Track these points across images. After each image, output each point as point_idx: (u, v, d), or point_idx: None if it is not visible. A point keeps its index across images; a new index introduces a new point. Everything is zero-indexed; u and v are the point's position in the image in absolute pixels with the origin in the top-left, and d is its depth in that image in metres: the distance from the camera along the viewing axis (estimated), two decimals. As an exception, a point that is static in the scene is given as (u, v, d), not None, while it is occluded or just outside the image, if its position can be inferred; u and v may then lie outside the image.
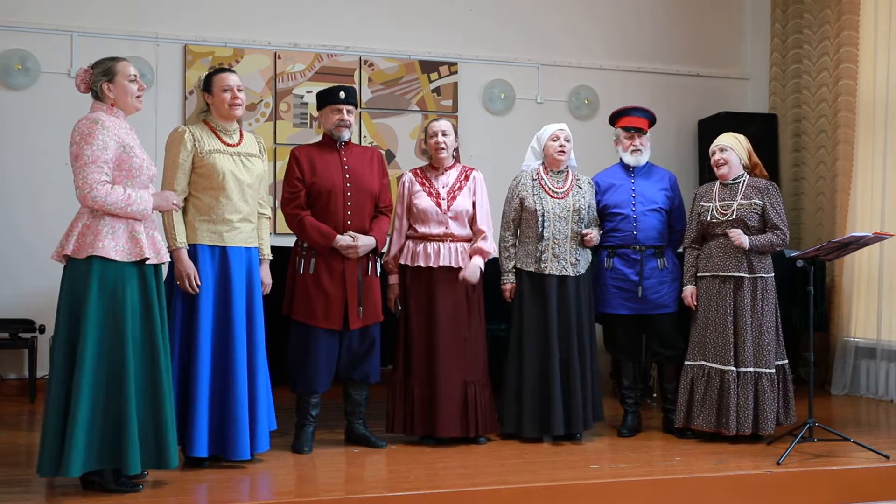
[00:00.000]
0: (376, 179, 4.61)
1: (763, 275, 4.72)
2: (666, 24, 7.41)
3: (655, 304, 4.91)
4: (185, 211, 4.13)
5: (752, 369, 4.65)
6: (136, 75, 3.74)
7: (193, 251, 4.07)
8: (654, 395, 6.02)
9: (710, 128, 6.71)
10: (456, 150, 4.81)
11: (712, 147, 4.90)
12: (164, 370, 3.66)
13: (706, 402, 4.68)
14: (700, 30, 7.50)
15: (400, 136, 6.81)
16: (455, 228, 4.67)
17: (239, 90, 4.18)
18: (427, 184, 4.72)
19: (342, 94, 4.53)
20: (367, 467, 4.25)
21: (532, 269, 4.78)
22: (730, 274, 4.71)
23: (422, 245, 4.65)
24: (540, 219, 4.76)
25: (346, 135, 4.57)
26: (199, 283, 4.03)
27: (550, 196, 4.81)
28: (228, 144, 4.19)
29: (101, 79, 3.68)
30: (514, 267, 4.82)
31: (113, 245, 3.56)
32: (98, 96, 3.70)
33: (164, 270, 3.87)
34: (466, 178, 4.75)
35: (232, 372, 4.04)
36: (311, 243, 4.45)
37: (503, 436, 4.78)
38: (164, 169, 4.13)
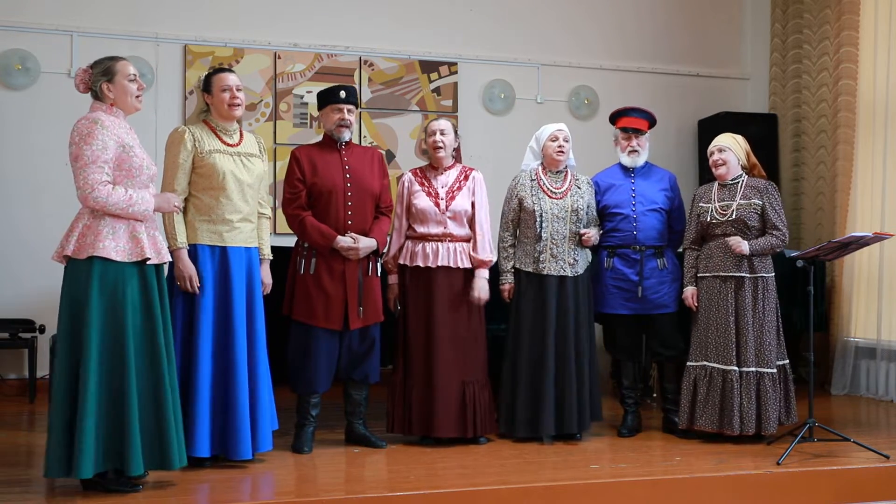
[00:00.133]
0: (377, 180, 4.61)
1: (764, 274, 4.72)
2: (666, 24, 7.41)
3: (655, 304, 4.91)
4: (185, 211, 4.13)
5: (754, 369, 4.65)
6: (135, 75, 3.73)
7: (194, 251, 4.07)
8: (654, 395, 6.02)
9: (710, 128, 6.71)
10: (457, 150, 4.81)
11: (711, 147, 4.90)
12: (166, 371, 3.65)
13: (709, 403, 4.67)
14: (700, 30, 7.50)
15: (400, 136, 6.81)
16: (453, 228, 4.67)
17: (238, 90, 4.18)
18: (426, 184, 4.72)
19: (343, 94, 4.53)
20: (367, 467, 4.25)
21: (530, 269, 4.78)
22: (731, 274, 4.71)
23: (420, 245, 4.65)
24: (538, 219, 4.76)
25: (346, 134, 4.57)
26: (199, 283, 4.03)
27: (549, 196, 4.81)
28: (228, 144, 4.19)
29: (100, 79, 3.67)
30: (513, 267, 4.83)
31: (113, 245, 3.56)
32: (97, 96, 3.69)
33: (165, 270, 3.86)
34: (466, 178, 4.75)
35: (233, 372, 4.05)
36: (311, 244, 4.45)
37: (503, 436, 4.78)
38: (164, 169, 4.13)
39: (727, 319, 4.69)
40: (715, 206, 4.80)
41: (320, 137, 4.70)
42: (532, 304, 4.76)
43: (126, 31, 6.29)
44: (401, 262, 4.69)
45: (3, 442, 4.69)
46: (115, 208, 3.55)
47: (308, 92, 6.51)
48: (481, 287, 4.66)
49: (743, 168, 4.85)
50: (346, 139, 4.59)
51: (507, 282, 4.81)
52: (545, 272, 4.75)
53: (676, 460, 4.38)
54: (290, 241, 4.65)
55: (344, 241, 4.42)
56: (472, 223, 4.71)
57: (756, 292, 4.70)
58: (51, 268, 3.92)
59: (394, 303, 4.71)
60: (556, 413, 4.70)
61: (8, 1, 6.11)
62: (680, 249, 5.06)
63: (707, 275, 4.79)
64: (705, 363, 4.73)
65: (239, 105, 4.19)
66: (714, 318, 4.73)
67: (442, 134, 4.70)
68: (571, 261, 4.78)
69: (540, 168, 4.90)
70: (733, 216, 4.73)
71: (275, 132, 6.56)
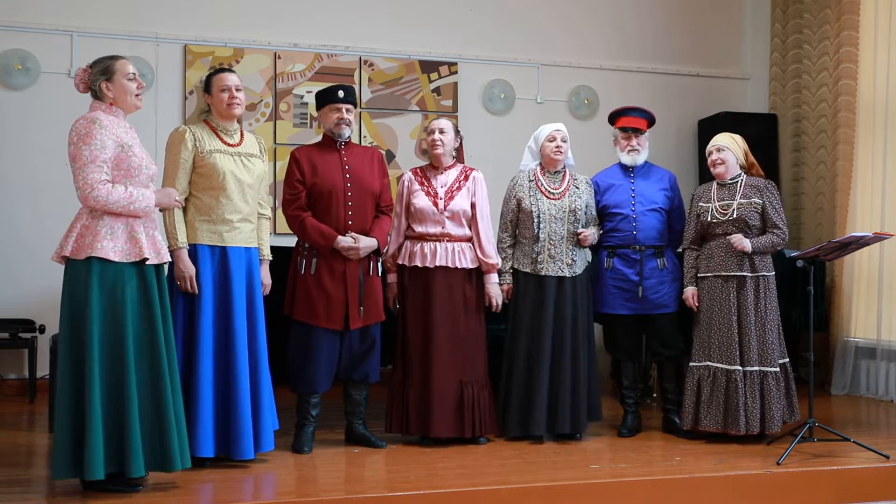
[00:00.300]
0: (377, 179, 4.61)
1: (765, 273, 4.72)
2: (666, 24, 7.41)
3: (655, 304, 4.91)
4: (185, 211, 4.13)
5: (757, 368, 4.65)
6: (134, 74, 3.73)
7: (193, 251, 4.07)
8: (654, 395, 6.02)
9: (710, 128, 6.70)
10: (458, 149, 4.81)
11: (709, 147, 4.90)
12: (166, 371, 3.64)
13: (713, 403, 4.67)
14: (700, 30, 7.50)
15: (400, 136, 6.81)
16: (452, 228, 4.66)
17: (237, 90, 4.18)
18: (426, 183, 4.72)
19: (341, 93, 4.53)
20: (367, 467, 4.25)
21: (528, 269, 4.78)
22: (732, 273, 4.71)
23: (419, 245, 4.65)
24: (535, 220, 4.76)
25: (346, 133, 4.57)
26: (197, 284, 4.03)
27: (547, 197, 4.81)
28: (229, 144, 4.19)
29: (99, 78, 3.67)
30: (512, 268, 4.83)
31: (112, 246, 3.55)
32: (97, 95, 3.69)
33: (166, 270, 3.86)
34: (466, 178, 4.75)
35: (234, 372, 4.05)
36: (312, 244, 4.45)
37: (503, 436, 4.77)
38: (164, 168, 4.13)
39: (730, 319, 4.69)
40: (715, 206, 4.80)
41: (320, 137, 4.70)
42: (530, 305, 4.76)
43: (126, 31, 6.29)
44: (399, 261, 4.69)
45: (3, 442, 4.69)
46: (116, 206, 3.55)
47: (308, 92, 6.51)
48: (495, 294, 4.70)
49: (741, 167, 4.85)
50: (347, 136, 4.59)
51: (506, 282, 4.81)
52: (543, 273, 4.75)
53: (676, 460, 4.38)
54: (291, 241, 4.65)
55: (344, 240, 4.43)
56: (473, 224, 4.71)
57: (758, 291, 4.70)
58: (51, 268, 3.92)
59: (393, 302, 4.71)
60: (549, 413, 4.70)
61: (8, 1, 6.11)
62: (679, 249, 5.06)
63: (708, 275, 4.78)
64: (709, 363, 4.72)
65: (238, 105, 4.19)
66: (717, 317, 4.72)
67: (441, 133, 4.70)
68: (569, 261, 4.78)
69: (538, 168, 4.90)
70: (734, 215, 4.73)
71: (275, 132, 6.56)
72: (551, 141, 4.83)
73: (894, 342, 6.09)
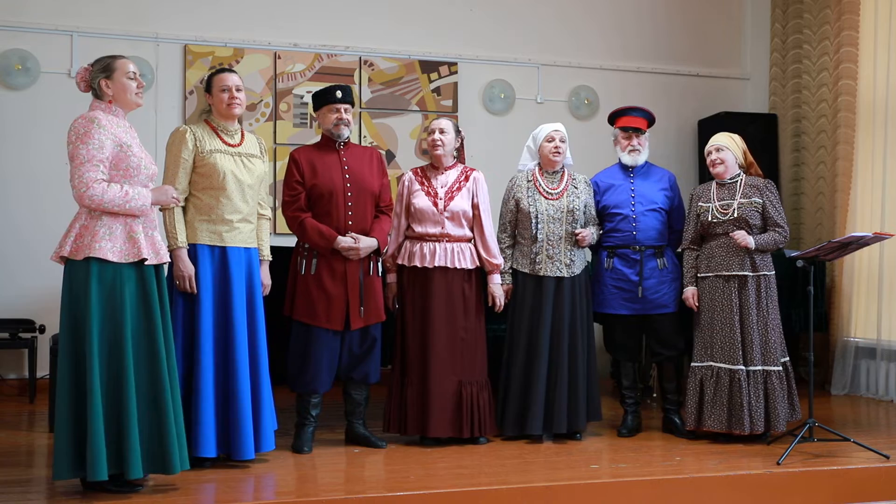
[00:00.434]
0: (376, 179, 4.61)
1: (766, 272, 4.73)
2: (666, 24, 7.41)
3: (656, 305, 4.91)
4: (185, 210, 4.13)
5: (760, 368, 4.65)
6: (135, 73, 3.73)
7: (193, 251, 4.07)
8: (654, 395, 6.02)
9: (710, 128, 6.70)
10: (459, 149, 4.81)
11: (708, 147, 4.90)
12: (165, 373, 3.63)
13: (716, 403, 4.66)
14: (700, 30, 7.50)
15: (400, 136, 6.81)
16: (451, 228, 4.66)
17: (238, 90, 4.18)
18: (426, 183, 4.72)
19: (339, 94, 4.53)
20: (367, 467, 4.25)
21: (527, 270, 4.79)
22: (733, 273, 4.71)
23: (418, 245, 4.65)
24: (533, 220, 4.76)
25: (345, 133, 4.57)
26: (198, 284, 4.03)
27: (545, 197, 4.81)
28: (230, 144, 4.19)
29: (99, 75, 3.67)
30: (511, 268, 4.83)
31: (110, 246, 3.54)
32: (97, 94, 3.69)
33: (165, 270, 3.86)
34: (466, 178, 4.75)
35: (234, 372, 4.05)
36: (312, 245, 4.45)
37: (503, 436, 4.77)
38: (165, 168, 4.14)
39: (732, 319, 4.68)
40: (715, 206, 4.80)
41: (320, 137, 4.69)
42: (529, 305, 4.77)
43: (126, 31, 6.29)
44: (399, 261, 4.69)
45: (3, 442, 4.69)
46: (112, 205, 3.53)
47: (308, 92, 6.50)
48: (499, 294, 4.71)
49: (740, 167, 4.85)
50: (346, 137, 4.59)
51: (506, 283, 4.82)
52: (542, 273, 4.75)
53: (676, 460, 4.38)
54: (291, 242, 4.65)
55: (345, 241, 4.43)
56: (475, 225, 4.71)
57: (759, 290, 4.70)
58: (51, 268, 3.92)
59: (392, 302, 4.71)
60: (546, 413, 4.71)
61: (8, 1, 6.11)
62: (679, 250, 5.05)
63: (709, 275, 4.78)
64: (711, 363, 4.72)
65: (238, 105, 4.19)
66: (718, 317, 4.72)
67: (441, 133, 4.70)
68: (568, 261, 4.78)
69: (537, 168, 4.90)
70: (734, 215, 4.73)
71: (275, 132, 6.56)
72: (550, 141, 4.83)
73: (894, 342, 6.09)
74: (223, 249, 4.12)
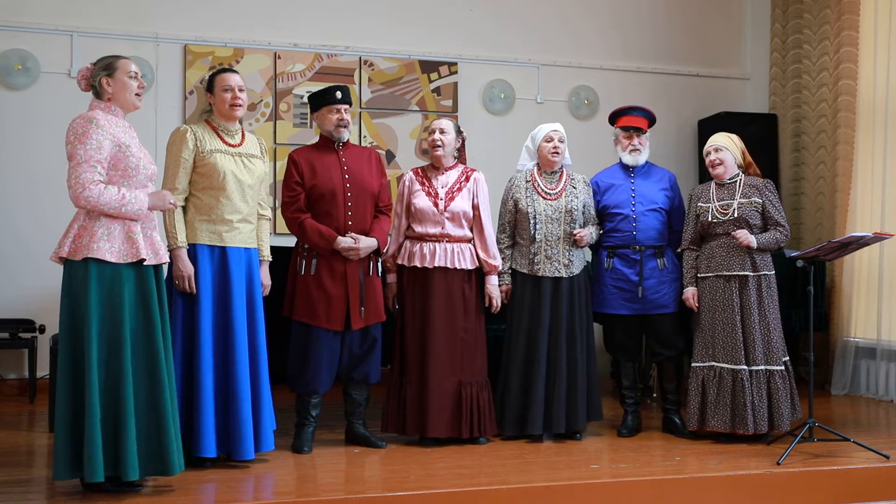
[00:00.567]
0: (375, 179, 4.61)
1: (766, 272, 4.73)
2: (666, 24, 7.41)
3: (656, 305, 4.91)
4: (185, 210, 4.13)
5: (763, 367, 4.65)
6: (136, 73, 3.72)
7: (193, 251, 4.07)
8: (654, 395, 6.02)
9: (710, 128, 6.69)
10: (461, 150, 4.82)
11: (707, 147, 4.90)
12: (164, 374, 3.62)
13: (720, 403, 4.66)
14: (700, 30, 7.50)
15: (400, 136, 6.81)
16: (451, 229, 4.66)
17: (240, 90, 4.18)
18: (427, 183, 4.72)
19: (338, 94, 4.53)
20: (367, 467, 4.25)
21: (526, 270, 4.79)
22: (734, 273, 4.71)
23: (418, 245, 4.65)
24: (532, 221, 4.76)
25: (345, 134, 4.57)
26: (198, 284, 4.03)
27: (543, 198, 4.81)
28: (230, 145, 4.19)
29: (101, 73, 3.66)
30: (510, 268, 4.83)
31: (108, 247, 3.53)
32: (97, 93, 3.68)
33: (165, 270, 3.86)
34: (467, 179, 4.75)
35: (234, 372, 4.04)
36: (312, 246, 4.44)
37: (503, 436, 4.77)
38: (165, 167, 4.13)
39: (733, 319, 4.68)
40: (715, 206, 4.79)
41: (318, 138, 4.69)
42: (528, 306, 4.77)
43: (126, 31, 6.29)
44: (399, 262, 4.69)
45: (3, 442, 4.69)
46: (107, 207, 3.52)
47: (308, 92, 6.49)
48: (496, 295, 4.71)
49: (739, 167, 4.85)
50: (346, 139, 4.59)
51: (505, 283, 4.82)
52: (540, 273, 4.76)
53: (676, 460, 4.38)
54: (290, 242, 4.65)
55: (345, 241, 4.42)
56: (474, 225, 4.71)
57: (760, 290, 4.70)
58: (51, 268, 3.92)
59: (392, 302, 4.71)
60: (546, 413, 4.71)
61: (8, 1, 6.11)
62: (678, 250, 5.05)
63: (709, 275, 4.78)
64: (713, 363, 4.72)
65: (240, 105, 4.19)
66: (720, 317, 4.72)
67: (442, 133, 4.70)
68: (566, 262, 4.78)
69: (535, 169, 4.90)
70: (734, 215, 4.73)
71: (275, 132, 6.56)
72: (548, 142, 4.83)
73: (894, 342, 6.09)
74: (223, 249, 4.12)
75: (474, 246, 4.71)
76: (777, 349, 4.68)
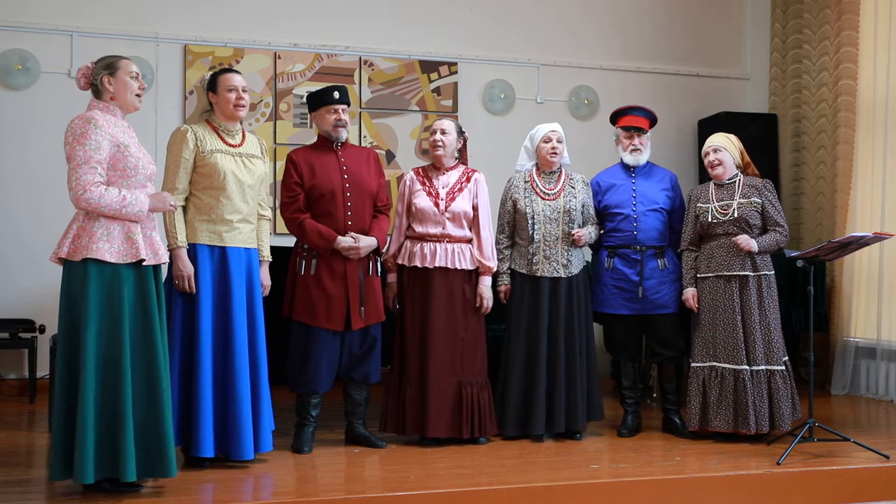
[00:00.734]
0: (374, 179, 4.61)
1: (766, 272, 4.73)
2: (666, 24, 7.41)
3: (656, 305, 4.90)
4: (185, 210, 4.13)
5: (764, 367, 4.65)
6: (137, 73, 3.72)
7: (193, 251, 4.07)
8: (654, 395, 6.02)
9: (710, 128, 6.69)
10: (462, 150, 4.82)
11: (705, 148, 4.90)
12: (162, 375, 3.61)
13: (722, 404, 4.66)
14: (700, 30, 7.50)
15: (400, 136, 6.81)
16: (452, 229, 4.66)
17: (244, 91, 4.19)
18: (427, 183, 4.72)
19: (336, 94, 4.53)
20: (367, 467, 4.25)
21: (524, 270, 4.79)
22: (734, 273, 4.71)
23: (419, 245, 4.65)
24: (530, 221, 4.76)
25: (343, 134, 4.57)
26: (197, 284, 4.03)
27: (541, 198, 4.81)
28: (230, 145, 4.19)
29: (102, 72, 3.66)
30: (509, 269, 4.83)
31: (108, 247, 3.52)
32: (97, 92, 3.68)
33: (164, 271, 3.85)
34: (468, 179, 4.75)
35: (234, 372, 4.04)
36: (312, 246, 4.44)
37: (503, 436, 4.77)
38: (165, 167, 4.13)
39: (734, 319, 4.68)
40: (714, 206, 4.79)
41: (316, 138, 4.69)
42: (527, 306, 4.77)
43: (126, 31, 6.29)
44: (399, 261, 4.69)
45: (3, 442, 4.69)
46: (108, 209, 3.51)
47: (308, 92, 6.49)
48: (487, 296, 4.69)
49: (738, 167, 4.85)
50: (344, 139, 4.59)
51: (503, 283, 4.82)
52: (539, 274, 4.76)
53: (676, 460, 4.38)
54: (290, 242, 4.64)
55: (345, 241, 4.42)
56: (474, 226, 4.71)
57: (760, 290, 4.71)
58: (51, 268, 3.91)
59: (392, 302, 4.71)
60: (547, 412, 4.71)
61: (8, 1, 6.11)
62: (678, 250, 5.04)
63: (709, 275, 4.78)
64: (714, 364, 4.72)
65: (244, 106, 4.20)
66: (720, 318, 4.72)
67: (443, 133, 4.70)
68: (565, 262, 4.78)
69: (534, 169, 4.90)
70: (734, 215, 4.73)
71: (275, 132, 6.56)
72: (547, 142, 4.83)
73: (894, 342, 6.09)
74: (223, 249, 4.11)
75: (473, 246, 4.71)
76: (777, 349, 4.69)
